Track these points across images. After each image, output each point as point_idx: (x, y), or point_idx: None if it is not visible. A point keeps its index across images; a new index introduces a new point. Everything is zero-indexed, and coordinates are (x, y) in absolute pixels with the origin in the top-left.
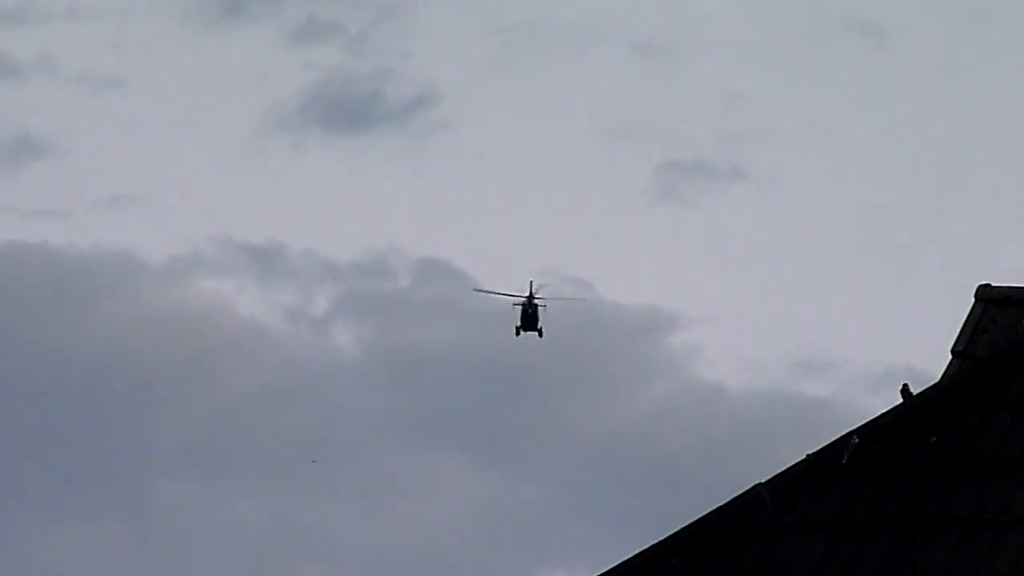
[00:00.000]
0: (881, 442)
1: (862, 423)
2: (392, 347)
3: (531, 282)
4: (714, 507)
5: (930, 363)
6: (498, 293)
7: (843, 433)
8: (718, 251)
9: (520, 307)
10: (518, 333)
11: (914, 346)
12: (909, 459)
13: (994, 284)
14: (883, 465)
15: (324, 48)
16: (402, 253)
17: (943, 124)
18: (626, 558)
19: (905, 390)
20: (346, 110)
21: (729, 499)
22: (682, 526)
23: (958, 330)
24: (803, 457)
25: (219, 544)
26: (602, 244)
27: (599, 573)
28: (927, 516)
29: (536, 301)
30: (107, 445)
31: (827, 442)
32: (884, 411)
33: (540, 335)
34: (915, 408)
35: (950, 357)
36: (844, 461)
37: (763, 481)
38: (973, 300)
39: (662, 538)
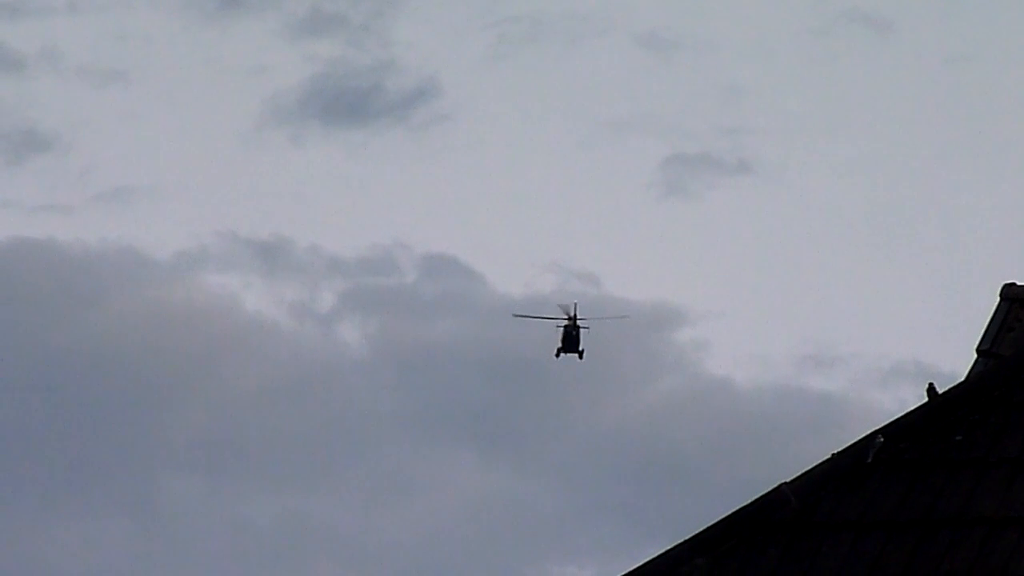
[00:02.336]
0: (906, 441)
1: (886, 422)
2: (398, 343)
3: (575, 304)
4: (735, 505)
5: (939, 357)
6: (537, 317)
7: (850, 428)
8: (725, 245)
9: (563, 329)
10: (558, 355)
11: (923, 341)
12: (934, 458)
13: (1019, 283)
14: (908, 464)
15: (324, 40)
16: (408, 249)
17: (950, 116)
18: (650, 558)
19: (931, 389)
20: (345, 103)
21: (753, 498)
22: (706, 525)
23: (982, 329)
24: (827, 456)
25: (226, 541)
26: (608, 239)
27: (623, 573)
28: (952, 515)
29: (579, 323)
30: (113, 442)
31: (834, 436)
32: (909, 410)
33: (580, 357)
34: (940, 407)
35: (972, 354)
36: (869, 460)
37: (788, 480)
38: (998, 299)
39: (686, 537)
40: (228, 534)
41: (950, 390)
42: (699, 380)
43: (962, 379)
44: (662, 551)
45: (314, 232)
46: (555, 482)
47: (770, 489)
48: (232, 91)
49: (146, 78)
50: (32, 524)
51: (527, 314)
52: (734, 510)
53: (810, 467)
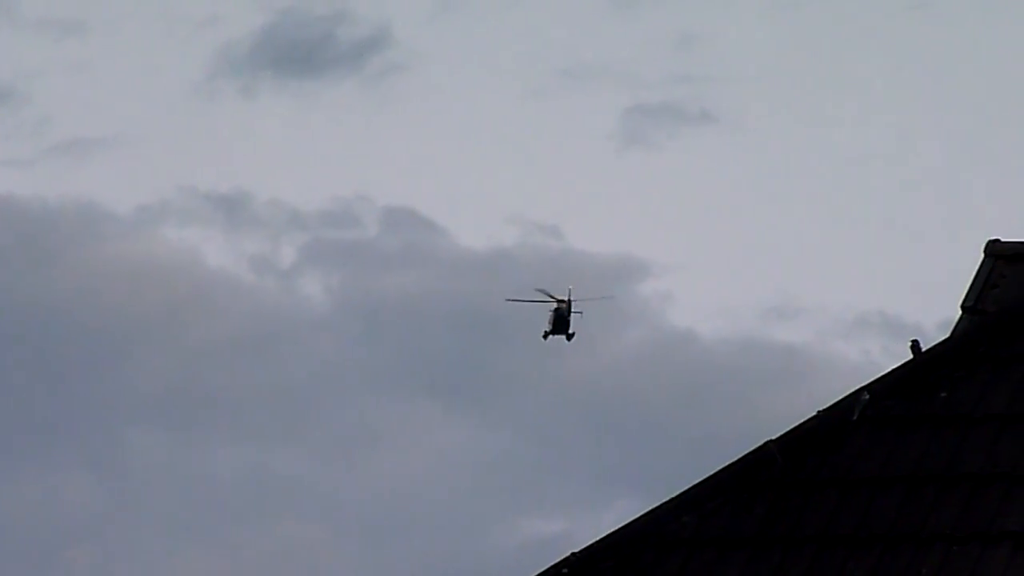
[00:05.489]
0: (891, 398)
1: (855, 374)
2: (361, 296)
3: (569, 289)
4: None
5: (903, 309)
6: (531, 301)
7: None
8: (688, 196)
9: (553, 312)
10: (546, 337)
11: (888, 292)
12: (919, 415)
13: (1003, 239)
14: (893, 421)
15: None
16: (369, 201)
17: (914, 63)
18: (637, 515)
19: (915, 346)
20: (296, 53)
21: (740, 456)
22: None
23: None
24: (814, 413)
25: (190, 495)
26: (570, 190)
27: (611, 530)
28: (938, 472)
29: (573, 309)
30: (75, 397)
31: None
32: (894, 367)
33: (569, 339)
34: (925, 364)
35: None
36: (855, 417)
37: (774, 438)
38: (983, 255)
39: (673, 495)
40: (192, 489)
41: (935, 347)
42: (663, 332)
43: (944, 335)
44: (648, 508)
45: (273, 185)
46: (521, 435)
47: (756, 447)
48: (185, 41)
49: (102, 29)
50: None
51: (520, 299)
52: (720, 468)
53: (796, 424)
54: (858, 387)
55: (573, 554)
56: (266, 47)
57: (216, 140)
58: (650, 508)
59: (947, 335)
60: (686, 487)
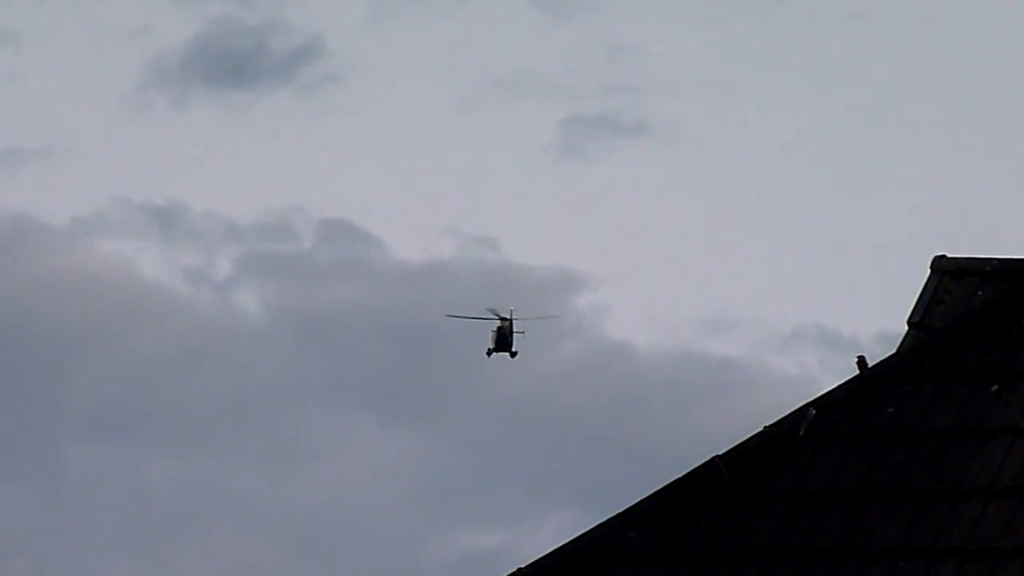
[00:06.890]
0: (837, 414)
1: (818, 395)
2: (297, 309)
3: (511, 310)
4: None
5: (840, 322)
6: (471, 317)
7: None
8: (624, 209)
9: (495, 331)
10: (489, 354)
11: (824, 305)
12: (866, 431)
13: (949, 255)
14: (840, 437)
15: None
16: (304, 213)
17: (847, 75)
18: (582, 530)
19: (861, 362)
20: (228, 64)
21: (686, 471)
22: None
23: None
24: (760, 429)
25: (128, 508)
26: (507, 202)
27: (556, 546)
28: (884, 487)
29: (515, 330)
30: (11, 410)
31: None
32: (840, 383)
33: (512, 356)
34: (871, 379)
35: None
36: (801, 433)
37: (720, 453)
38: (929, 271)
39: (619, 511)
40: (128, 501)
41: (881, 363)
42: (599, 345)
43: (881, 348)
44: (592, 522)
45: (209, 197)
46: (457, 448)
47: (702, 462)
48: (117, 52)
49: (34, 40)
50: None
51: (460, 315)
52: (666, 483)
53: (742, 439)
54: (796, 399)
55: (519, 569)
56: (198, 57)
57: (150, 151)
58: (596, 523)
59: (885, 348)
60: (625, 499)
